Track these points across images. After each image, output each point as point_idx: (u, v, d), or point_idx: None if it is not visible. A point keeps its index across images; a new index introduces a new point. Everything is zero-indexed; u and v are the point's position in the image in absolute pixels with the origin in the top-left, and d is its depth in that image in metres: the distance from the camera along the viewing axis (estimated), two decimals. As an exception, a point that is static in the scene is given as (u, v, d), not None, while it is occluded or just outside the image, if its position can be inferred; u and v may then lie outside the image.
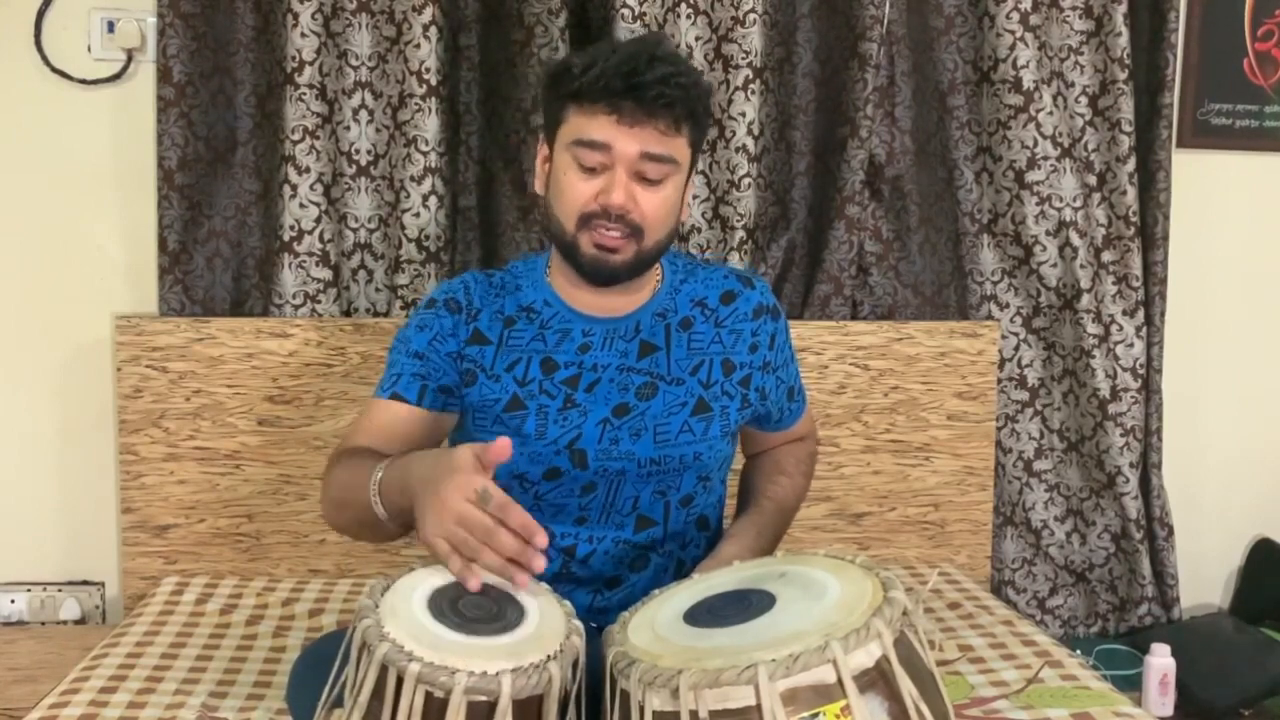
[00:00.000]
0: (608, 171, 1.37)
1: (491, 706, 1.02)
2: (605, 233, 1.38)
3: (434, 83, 2.11)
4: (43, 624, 2.18)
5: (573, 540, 1.46)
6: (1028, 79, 2.25)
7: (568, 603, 1.19)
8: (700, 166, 2.21)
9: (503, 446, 1.13)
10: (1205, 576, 2.52)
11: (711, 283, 1.54)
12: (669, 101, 1.35)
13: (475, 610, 1.10)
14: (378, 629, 1.05)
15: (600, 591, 1.47)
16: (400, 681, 1.02)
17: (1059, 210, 2.29)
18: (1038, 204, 2.29)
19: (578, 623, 1.15)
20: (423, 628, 1.06)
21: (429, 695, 1.01)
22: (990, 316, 2.34)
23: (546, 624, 1.12)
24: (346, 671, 1.09)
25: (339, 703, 1.10)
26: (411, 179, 2.13)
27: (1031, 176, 2.28)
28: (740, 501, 1.61)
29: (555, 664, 1.06)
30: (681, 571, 1.47)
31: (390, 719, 1.02)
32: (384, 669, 1.03)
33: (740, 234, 2.23)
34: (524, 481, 1.45)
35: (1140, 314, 2.32)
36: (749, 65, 2.19)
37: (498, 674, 1.02)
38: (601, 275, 1.41)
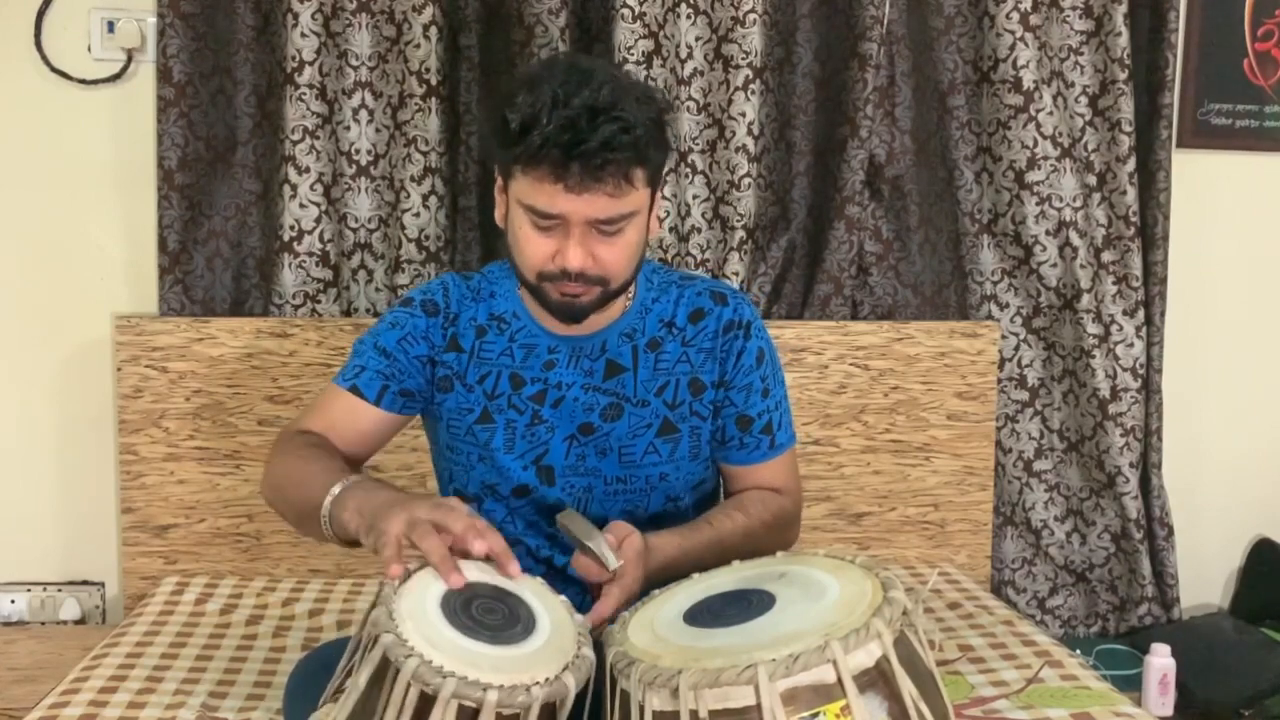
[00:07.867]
0: (561, 229, 1.31)
1: (516, 717, 1.02)
2: (568, 286, 1.34)
3: (434, 83, 2.11)
4: (43, 624, 2.18)
5: (549, 552, 1.46)
6: (1028, 79, 2.25)
7: (579, 616, 1.19)
8: (701, 167, 2.22)
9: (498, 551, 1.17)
10: (1205, 576, 2.52)
11: (684, 300, 1.48)
12: (617, 161, 1.26)
13: (489, 616, 1.10)
14: (394, 630, 1.04)
15: (585, 595, 1.46)
16: (402, 681, 1.01)
17: (1059, 210, 2.29)
18: (1038, 204, 2.29)
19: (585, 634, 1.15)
20: (435, 628, 1.06)
21: (443, 701, 1.00)
22: (990, 316, 2.34)
23: (559, 634, 1.12)
24: (351, 663, 1.10)
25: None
26: (411, 179, 2.13)
27: (1031, 176, 2.28)
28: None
29: (570, 674, 1.06)
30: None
31: (383, 711, 1.02)
32: (397, 671, 1.02)
33: (740, 234, 2.23)
34: (496, 494, 1.46)
35: (1140, 314, 2.32)
36: (749, 65, 2.18)
37: (529, 686, 1.02)
38: (570, 317, 1.39)
